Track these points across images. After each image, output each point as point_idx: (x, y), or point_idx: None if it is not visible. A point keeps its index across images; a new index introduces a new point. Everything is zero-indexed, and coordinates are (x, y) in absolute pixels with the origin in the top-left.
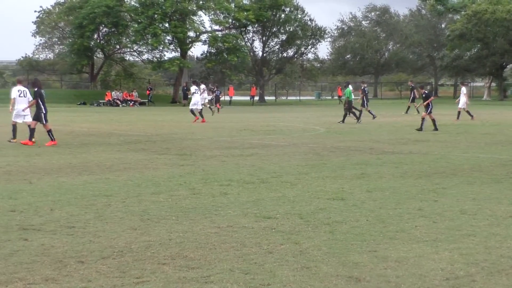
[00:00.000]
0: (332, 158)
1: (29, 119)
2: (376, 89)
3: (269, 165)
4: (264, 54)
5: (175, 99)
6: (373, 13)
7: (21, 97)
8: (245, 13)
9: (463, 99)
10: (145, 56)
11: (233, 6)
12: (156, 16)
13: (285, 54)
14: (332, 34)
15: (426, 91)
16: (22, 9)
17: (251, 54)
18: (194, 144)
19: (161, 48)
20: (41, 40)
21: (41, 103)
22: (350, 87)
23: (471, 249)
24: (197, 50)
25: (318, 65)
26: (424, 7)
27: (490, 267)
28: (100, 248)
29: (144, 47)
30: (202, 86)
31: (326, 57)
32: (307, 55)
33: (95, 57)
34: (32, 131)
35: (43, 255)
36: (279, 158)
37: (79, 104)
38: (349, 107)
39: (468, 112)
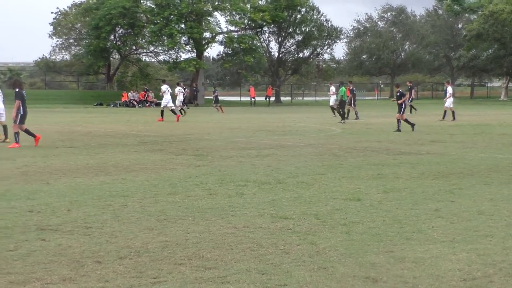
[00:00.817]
0: (348, 158)
1: (3, 119)
2: (393, 89)
3: (286, 165)
4: (280, 55)
5: (191, 100)
6: (389, 14)
7: None
8: (261, 13)
9: (450, 99)
10: (161, 57)
11: (248, 7)
12: (172, 17)
13: (301, 55)
14: (348, 34)
15: (400, 90)
16: (39, 11)
17: (267, 54)
18: (211, 144)
19: (177, 49)
20: (57, 41)
21: (21, 104)
22: (349, 86)
23: (488, 249)
24: (213, 51)
25: (334, 65)
26: (441, 7)
27: (508, 268)
28: (117, 248)
29: (160, 48)
30: (178, 88)
31: (342, 58)
32: (323, 55)
33: (111, 58)
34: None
35: (61, 255)
36: (295, 159)
37: (95, 105)
38: (341, 106)
39: (445, 112)
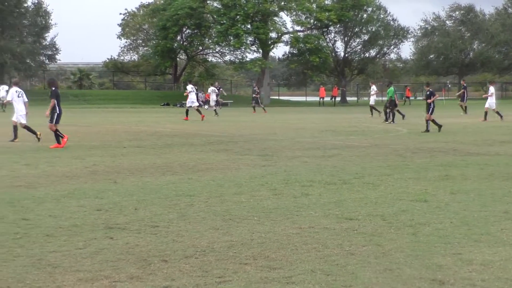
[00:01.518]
0: (415, 159)
1: (23, 120)
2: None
3: (351, 166)
4: (346, 55)
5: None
6: (457, 12)
7: (19, 98)
8: (327, 13)
9: (491, 99)
10: (227, 57)
11: (314, 6)
12: (238, 17)
13: (367, 54)
14: (415, 34)
15: (430, 89)
16: (108, 12)
17: (333, 54)
18: (276, 144)
19: (243, 49)
20: (126, 42)
21: (56, 103)
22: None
23: None
24: (279, 51)
25: (401, 65)
26: (511, 5)
27: None
28: (183, 248)
29: (226, 48)
30: (211, 88)
31: (409, 57)
32: (389, 55)
33: (178, 59)
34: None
35: (128, 254)
36: (361, 159)
37: (162, 105)
38: (391, 106)
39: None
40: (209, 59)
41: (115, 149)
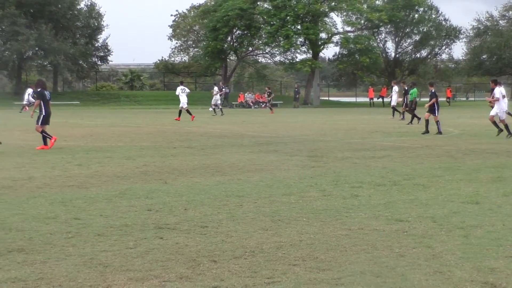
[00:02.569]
0: (466, 160)
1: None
2: None
3: (401, 167)
4: (397, 55)
5: (307, 100)
6: (511, 12)
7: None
8: (377, 14)
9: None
10: (277, 58)
11: (365, 7)
12: (288, 18)
13: (418, 55)
14: (468, 34)
15: (433, 90)
16: (159, 14)
17: (383, 55)
18: (325, 145)
19: (293, 50)
20: (176, 43)
21: (43, 104)
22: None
23: None
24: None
25: (453, 65)
26: None
27: None
28: (232, 248)
29: (276, 49)
30: (215, 88)
31: (461, 58)
32: (441, 55)
33: (228, 60)
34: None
35: (178, 254)
36: (411, 161)
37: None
38: (412, 107)
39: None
40: (259, 60)
41: (165, 149)
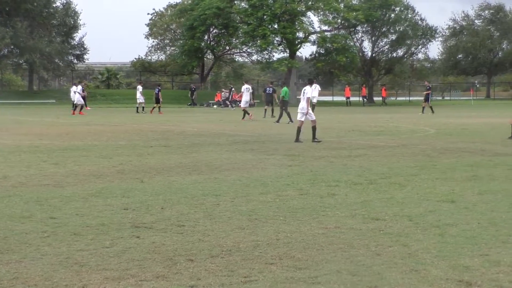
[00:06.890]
0: (442, 159)
1: None
2: (489, 89)
3: (378, 166)
4: (374, 54)
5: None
6: (486, 12)
7: None
8: (354, 13)
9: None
10: (254, 57)
11: (342, 6)
12: (265, 17)
13: (394, 54)
14: (444, 33)
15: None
16: (135, 13)
17: (360, 54)
18: (302, 144)
19: (270, 49)
20: (153, 42)
21: None
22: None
23: None
24: (306, 50)
25: (429, 65)
26: None
27: None
28: (209, 247)
29: (253, 48)
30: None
31: (436, 57)
32: (417, 55)
33: (205, 58)
34: None
35: (154, 253)
36: (387, 159)
37: (189, 105)
38: (283, 107)
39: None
40: (236, 59)
41: (142, 148)
